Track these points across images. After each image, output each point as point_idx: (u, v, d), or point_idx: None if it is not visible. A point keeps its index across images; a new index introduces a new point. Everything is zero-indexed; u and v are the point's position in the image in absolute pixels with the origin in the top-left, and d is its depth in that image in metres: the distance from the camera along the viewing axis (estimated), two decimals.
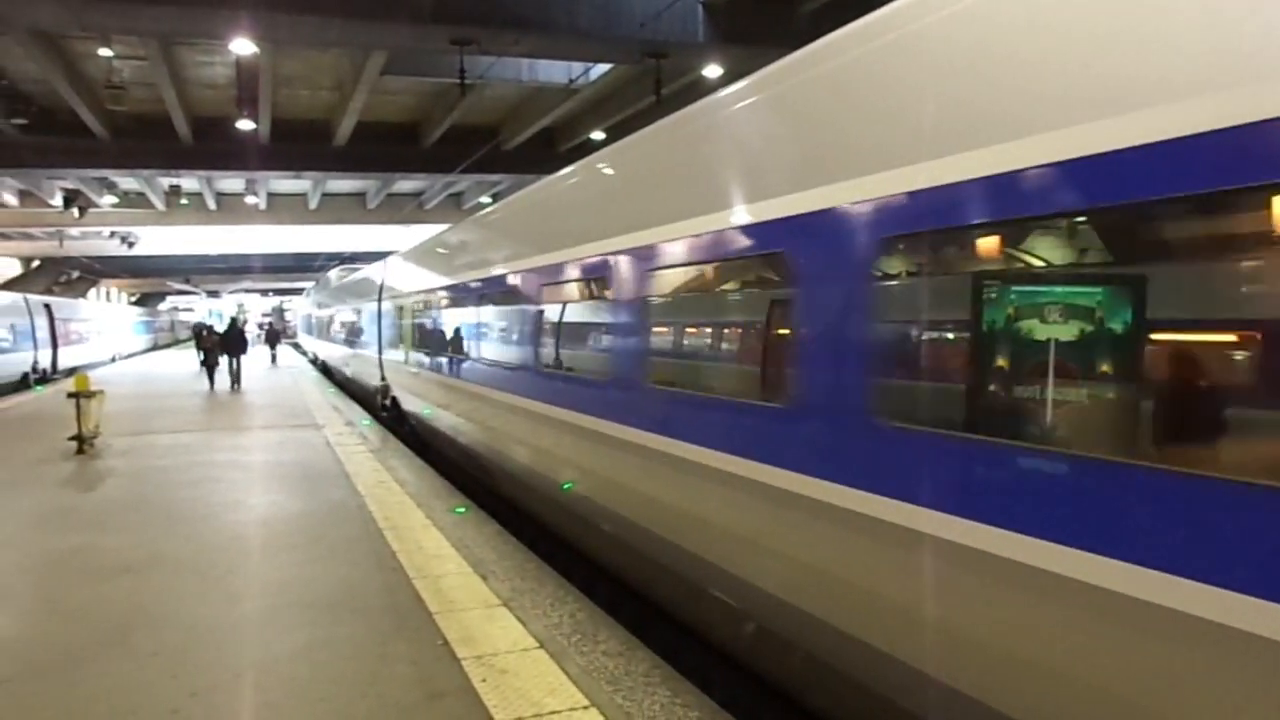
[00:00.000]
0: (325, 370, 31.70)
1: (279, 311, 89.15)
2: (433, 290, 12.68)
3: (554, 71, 18.95)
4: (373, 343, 18.64)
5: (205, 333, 26.37)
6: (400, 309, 15.54)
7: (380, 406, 17.29)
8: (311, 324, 40.02)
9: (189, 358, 34.64)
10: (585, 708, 4.24)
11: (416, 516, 8.33)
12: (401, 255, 16.89)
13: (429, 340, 12.91)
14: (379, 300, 17.96)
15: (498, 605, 5.75)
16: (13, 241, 43.23)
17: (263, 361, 34.99)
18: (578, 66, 18.22)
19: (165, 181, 30.63)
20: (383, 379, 17.14)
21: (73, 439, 12.36)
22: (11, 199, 33.00)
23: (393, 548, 7.20)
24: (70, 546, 7.43)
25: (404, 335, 15.07)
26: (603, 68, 18.67)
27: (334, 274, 31.68)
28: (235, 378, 23.84)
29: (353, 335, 22.98)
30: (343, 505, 8.88)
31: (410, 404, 14.71)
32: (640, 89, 19.02)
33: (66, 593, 6.21)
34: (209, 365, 24.12)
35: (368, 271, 21.47)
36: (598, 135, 22.90)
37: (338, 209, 36.68)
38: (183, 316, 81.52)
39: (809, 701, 4.62)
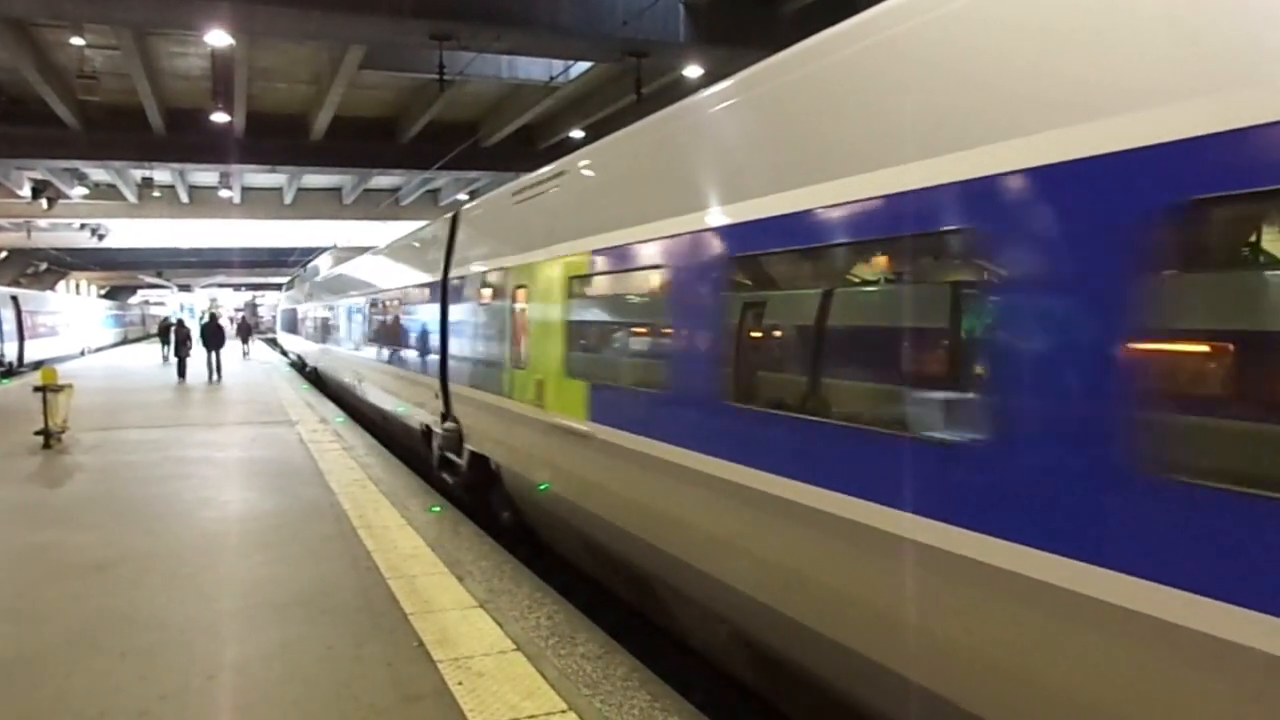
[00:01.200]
0: (316, 379, 24.79)
1: (251, 306, 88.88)
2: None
3: (534, 69, 18.86)
4: (425, 350, 11.28)
5: (175, 326, 26.77)
6: (522, 291, 7.70)
7: (436, 461, 10.17)
8: (299, 321, 30.65)
9: (159, 352, 34.52)
10: (563, 712, 4.19)
11: (391, 515, 8.24)
12: (509, 193, 8.69)
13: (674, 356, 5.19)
14: (443, 279, 10.46)
15: (474, 606, 5.69)
16: None
17: (236, 355, 35.00)
18: (558, 64, 18.14)
19: (137, 174, 30.23)
20: (448, 414, 9.99)
21: (39, 433, 12.14)
22: None
23: (367, 547, 7.11)
24: (37, 543, 7.29)
25: (532, 339, 7.42)
26: (583, 66, 18.60)
27: (327, 258, 25.47)
28: (215, 369, 24.95)
29: (378, 337, 15.00)
30: (316, 503, 8.76)
31: (548, 481, 7.05)
32: (620, 88, 18.97)
33: (33, 591, 6.08)
34: (181, 357, 25.08)
35: (417, 238, 13.31)
36: (577, 134, 22.83)
37: (313, 204, 36.36)
38: (154, 310, 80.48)
39: None
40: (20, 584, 6.26)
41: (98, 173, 30.50)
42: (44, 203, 30.00)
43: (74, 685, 4.52)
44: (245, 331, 40.43)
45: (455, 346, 9.91)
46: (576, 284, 6.55)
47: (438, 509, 8.64)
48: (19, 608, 5.74)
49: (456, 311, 9.98)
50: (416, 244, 13.03)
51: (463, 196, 33.55)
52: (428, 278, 11.41)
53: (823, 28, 4.17)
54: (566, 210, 7.04)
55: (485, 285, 8.84)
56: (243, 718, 4.22)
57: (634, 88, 16.76)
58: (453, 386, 9.89)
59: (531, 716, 4.14)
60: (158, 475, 10.25)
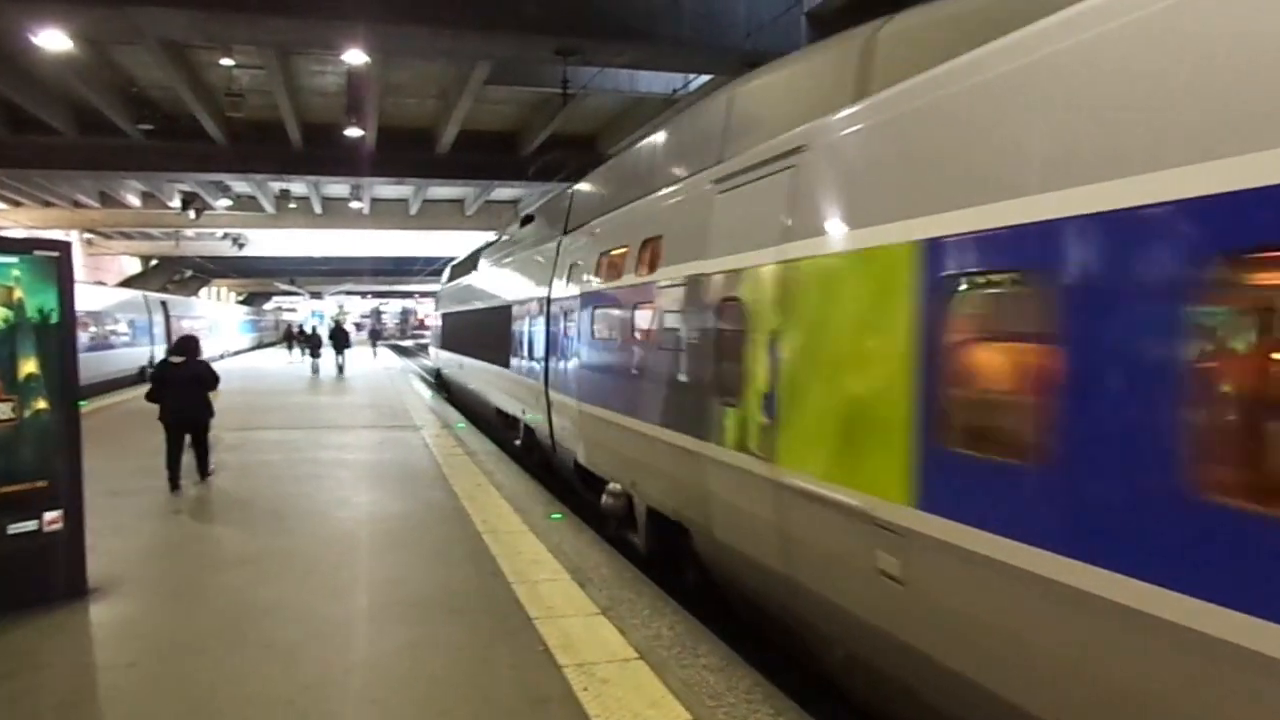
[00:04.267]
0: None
1: (376, 313, 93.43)
2: None
3: (655, 82, 19.02)
4: None
5: (299, 331, 31.13)
6: None
7: None
8: (511, 331, 13.86)
9: (293, 356, 36.84)
10: None
11: (514, 521, 8.42)
12: None
13: None
14: None
15: (596, 614, 5.76)
16: (134, 241, 45.58)
17: (366, 356, 40.67)
18: (680, 77, 18.25)
19: (275, 186, 31.83)
20: None
21: None
22: (135, 200, 34.78)
23: (491, 551, 7.29)
24: (186, 537, 7.77)
25: None
26: (704, 77, 18.65)
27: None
28: (340, 367, 29.99)
29: None
30: (442, 507, 9.04)
31: None
32: None
33: (185, 582, 6.48)
34: (314, 356, 30.63)
35: None
36: None
37: (437, 215, 37.56)
38: (286, 316, 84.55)
39: None
40: (175, 574, 6.67)
41: (240, 185, 32.22)
42: (192, 213, 31.94)
43: (227, 672, 4.79)
44: (374, 336, 47.63)
45: None
46: None
47: (559, 516, 8.79)
48: (175, 596, 6.14)
49: None
50: None
51: None
52: None
53: None
54: None
55: None
56: (380, 712, 4.39)
57: None
58: None
59: None
60: (294, 475, 10.77)
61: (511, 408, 13.81)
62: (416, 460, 11.98)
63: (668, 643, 5.29)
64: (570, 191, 12.19)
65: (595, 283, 8.94)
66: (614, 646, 5.18)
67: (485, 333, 15.86)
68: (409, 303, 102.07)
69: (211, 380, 10.15)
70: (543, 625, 5.51)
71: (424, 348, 68.33)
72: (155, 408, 9.77)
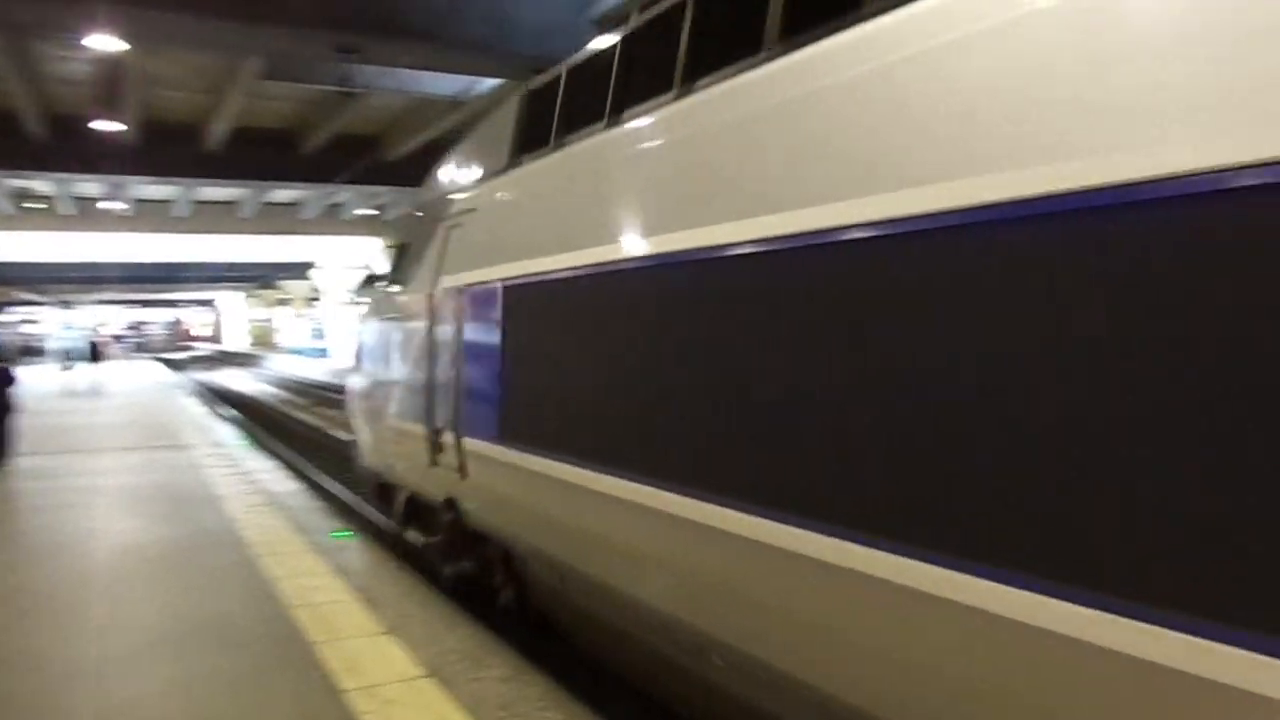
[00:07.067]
0: None
1: (137, 325, 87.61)
2: None
3: (441, 84, 18.65)
4: None
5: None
6: None
7: None
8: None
9: (37, 374, 33.37)
10: None
11: (295, 542, 7.98)
12: None
13: None
14: None
15: (382, 633, 5.55)
16: None
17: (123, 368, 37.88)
18: (467, 79, 17.99)
19: (13, 183, 28.61)
20: None
21: None
22: None
23: (269, 574, 6.86)
24: None
25: None
26: (492, 81, 18.49)
27: None
28: (95, 382, 28.07)
29: None
30: (213, 531, 8.42)
31: None
32: None
33: None
34: (66, 369, 29.83)
35: None
36: None
37: (209, 218, 35.12)
38: (27, 329, 76.60)
39: None
40: None
41: None
42: None
43: None
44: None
45: None
46: None
47: (345, 533, 8.41)
48: None
49: None
50: None
51: (368, 211, 32.96)
52: None
53: None
54: None
55: None
56: None
57: None
58: None
59: None
60: (41, 505, 9.72)
61: None
62: (184, 482, 11.11)
63: (457, 657, 5.16)
64: None
65: None
66: (401, 666, 5.00)
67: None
68: (179, 312, 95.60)
69: (9, 380, 12.24)
70: (325, 649, 5.24)
71: (198, 360, 63.56)
72: None
